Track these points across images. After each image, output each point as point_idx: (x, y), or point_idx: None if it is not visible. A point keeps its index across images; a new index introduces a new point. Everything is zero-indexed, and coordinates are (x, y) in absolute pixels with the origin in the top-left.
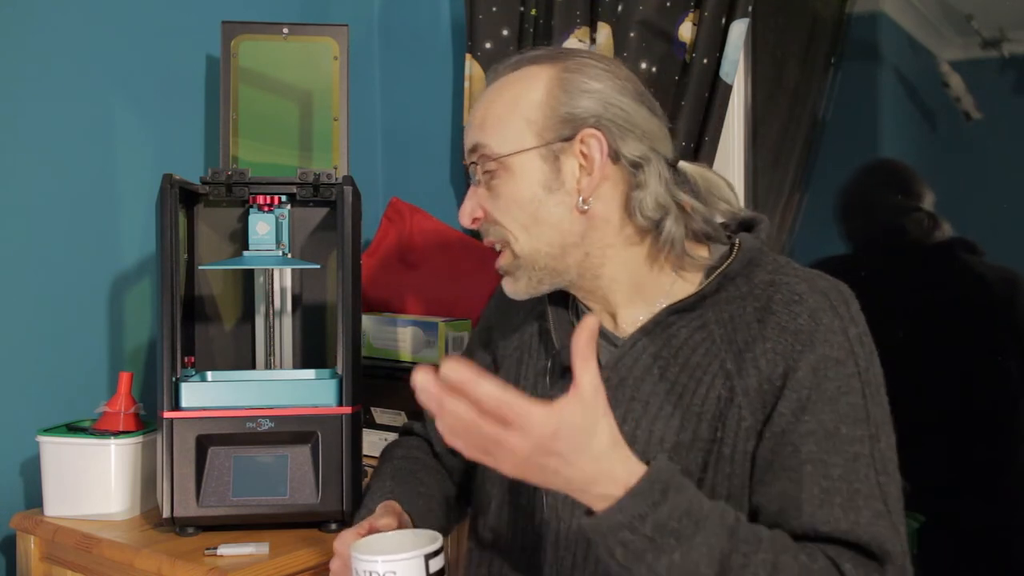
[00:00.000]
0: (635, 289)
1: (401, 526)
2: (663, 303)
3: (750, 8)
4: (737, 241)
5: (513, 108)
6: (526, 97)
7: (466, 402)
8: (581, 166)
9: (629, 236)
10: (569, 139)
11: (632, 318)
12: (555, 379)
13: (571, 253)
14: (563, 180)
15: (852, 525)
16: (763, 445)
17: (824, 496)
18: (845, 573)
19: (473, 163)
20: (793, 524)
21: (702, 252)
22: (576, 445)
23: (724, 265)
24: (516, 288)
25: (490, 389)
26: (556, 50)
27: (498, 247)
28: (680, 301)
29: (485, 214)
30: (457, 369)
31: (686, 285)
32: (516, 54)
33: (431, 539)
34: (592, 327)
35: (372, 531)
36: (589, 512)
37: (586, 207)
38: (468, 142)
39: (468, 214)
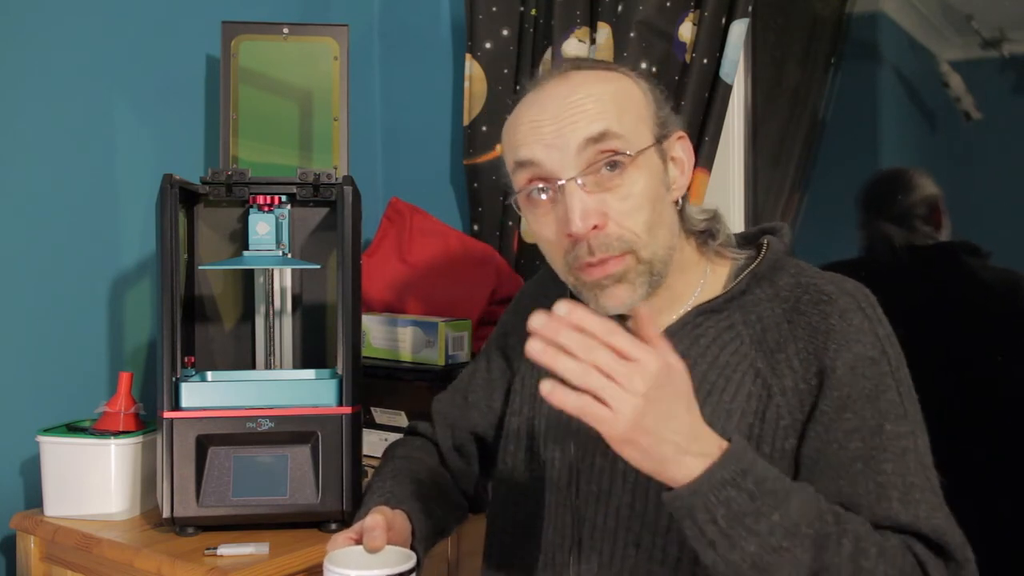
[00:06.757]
0: (671, 294)
1: (390, 528)
2: (690, 305)
3: (750, 8)
4: (766, 242)
5: (628, 101)
6: (633, 93)
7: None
8: (673, 161)
9: (682, 235)
10: (665, 139)
11: (659, 324)
12: None
13: (672, 253)
14: (669, 178)
15: (912, 519)
16: (807, 444)
17: (880, 491)
18: (917, 553)
19: (604, 154)
20: None
21: (729, 254)
22: (681, 388)
23: (753, 264)
24: (634, 296)
25: (604, 325)
26: (606, 63)
27: (616, 252)
28: (708, 302)
29: (605, 219)
30: (574, 309)
31: (712, 288)
32: (568, 63)
33: (404, 558)
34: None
35: (361, 534)
36: (669, 490)
37: (679, 206)
38: (591, 129)
39: (587, 217)
